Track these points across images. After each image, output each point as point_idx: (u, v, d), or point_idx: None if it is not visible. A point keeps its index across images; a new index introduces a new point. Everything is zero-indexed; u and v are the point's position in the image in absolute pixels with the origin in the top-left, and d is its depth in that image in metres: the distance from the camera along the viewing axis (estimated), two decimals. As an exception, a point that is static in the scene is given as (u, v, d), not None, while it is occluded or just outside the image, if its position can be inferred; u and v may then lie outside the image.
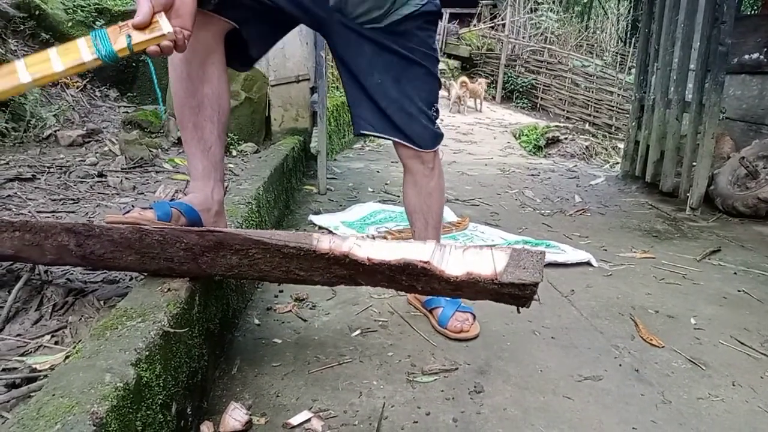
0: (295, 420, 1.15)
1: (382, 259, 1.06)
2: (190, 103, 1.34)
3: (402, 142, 1.51)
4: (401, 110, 1.47)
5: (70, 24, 3.60)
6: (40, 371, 0.97)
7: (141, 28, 1.04)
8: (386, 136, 1.52)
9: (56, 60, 1.01)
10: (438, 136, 1.55)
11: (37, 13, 3.41)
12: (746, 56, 3.68)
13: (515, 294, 1.05)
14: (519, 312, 1.18)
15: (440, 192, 1.63)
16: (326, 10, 1.38)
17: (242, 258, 1.12)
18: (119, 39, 1.03)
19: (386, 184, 3.57)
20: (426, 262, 1.04)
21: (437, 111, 1.55)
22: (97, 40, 1.02)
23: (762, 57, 3.57)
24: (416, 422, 1.18)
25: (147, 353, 0.89)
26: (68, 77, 3.46)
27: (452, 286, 1.08)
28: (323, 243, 1.08)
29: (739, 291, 2.01)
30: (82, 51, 1.02)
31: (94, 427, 0.70)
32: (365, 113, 1.50)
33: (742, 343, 1.60)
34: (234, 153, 3.10)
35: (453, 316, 1.55)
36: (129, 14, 3.98)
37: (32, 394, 0.87)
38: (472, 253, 1.05)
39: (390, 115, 1.47)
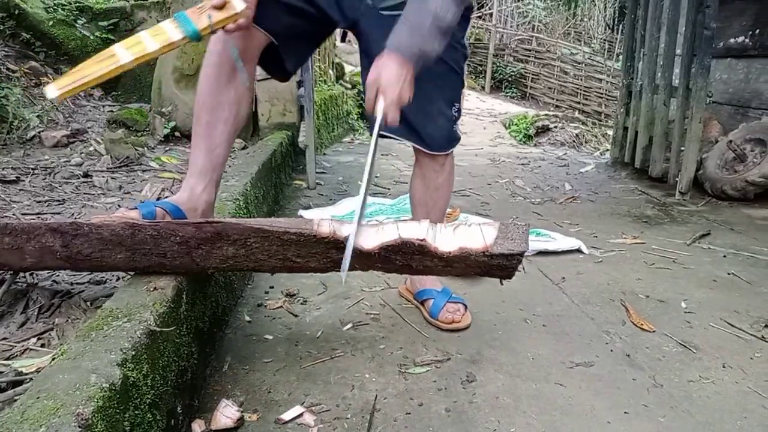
0: (287, 415, 1.14)
1: (381, 240, 1.10)
2: (210, 102, 1.36)
3: (414, 144, 1.50)
4: (418, 109, 1.40)
5: (50, 23, 3.55)
6: (26, 374, 0.96)
7: (219, 8, 1.13)
8: (398, 138, 1.48)
9: (149, 41, 1.11)
10: (454, 140, 1.53)
11: (16, 12, 3.36)
12: (732, 40, 3.69)
13: (503, 265, 1.12)
14: (502, 284, 1.25)
15: (448, 188, 1.62)
16: None
17: (239, 248, 1.12)
18: (201, 19, 1.12)
19: (376, 177, 3.56)
20: (422, 240, 1.10)
21: (459, 111, 1.52)
22: (181, 21, 1.12)
23: (747, 40, 3.58)
24: (409, 413, 1.18)
25: (133, 353, 0.88)
26: (51, 77, 3.42)
27: (444, 263, 1.15)
28: (324, 227, 1.10)
29: (728, 274, 2.02)
30: (170, 32, 1.11)
31: (80, 429, 0.69)
32: None
33: (732, 325, 1.61)
34: (222, 149, 3.08)
35: (444, 307, 1.55)
36: (111, 12, 3.94)
37: (17, 397, 0.85)
38: (463, 230, 1.12)
39: (405, 114, 1.40)
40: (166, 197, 1.38)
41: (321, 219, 1.12)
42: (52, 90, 1.05)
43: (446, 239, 1.10)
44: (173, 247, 1.11)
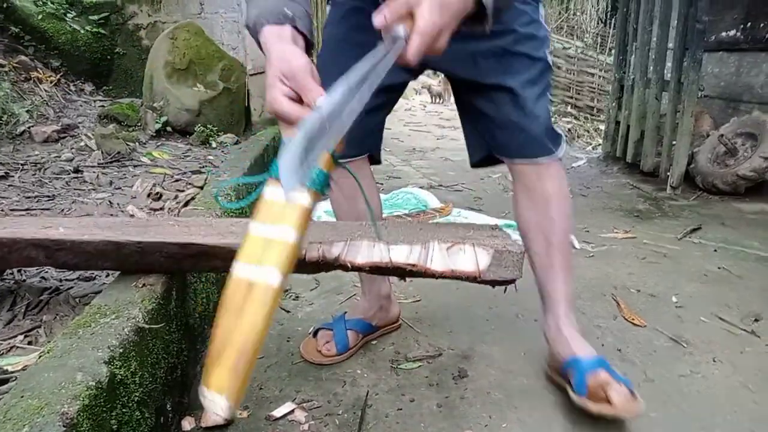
0: (278, 412, 1.14)
1: (372, 259, 1.06)
2: (350, 218, 1.37)
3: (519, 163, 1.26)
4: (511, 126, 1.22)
5: (40, 16, 3.50)
6: (12, 373, 0.95)
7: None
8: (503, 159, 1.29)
9: (283, 234, 0.71)
10: (558, 136, 1.25)
11: (5, 5, 3.31)
12: (723, 33, 3.69)
13: (493, 283, 1.08)
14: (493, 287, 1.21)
15: (562, 199, 1.26)
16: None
17: (227, 261, 1.11)
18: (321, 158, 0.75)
19: (369, 171, 3.55)
20: (413, 265, 1.06)
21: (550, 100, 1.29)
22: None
23: (739, 34, 3.59)
24: (400, 409, 1.18)
25: (121, 350, 0.87)
26: (41, 71, 3.38)
27: (433, 277, 1.11)
28: (313, 252, 1.06)
29: (719, 268, 2.03)
30: (300, 201, 0.72)
31: (64, 428, 0.68)
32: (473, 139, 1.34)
33: (722, 320, 1.62)
34: (214, 144, 3.06)
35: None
36: (101, 5, 3.90)
37: (1, 396, 0.84)
38: (456, 251, 1.06)
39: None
40: (347, 314, 1.46)
41: (310, 243, 1.07)
42: (221, 407, 0.66)
43: (438, 260, 1.06)
44: (160, 259, 1.09)
